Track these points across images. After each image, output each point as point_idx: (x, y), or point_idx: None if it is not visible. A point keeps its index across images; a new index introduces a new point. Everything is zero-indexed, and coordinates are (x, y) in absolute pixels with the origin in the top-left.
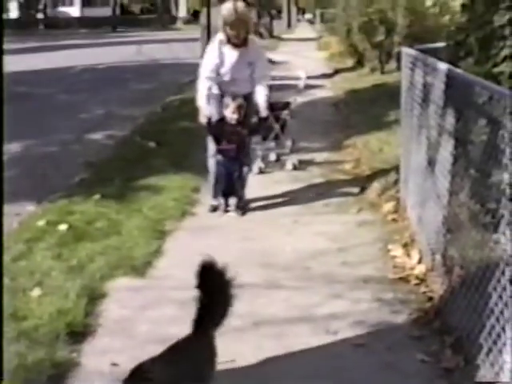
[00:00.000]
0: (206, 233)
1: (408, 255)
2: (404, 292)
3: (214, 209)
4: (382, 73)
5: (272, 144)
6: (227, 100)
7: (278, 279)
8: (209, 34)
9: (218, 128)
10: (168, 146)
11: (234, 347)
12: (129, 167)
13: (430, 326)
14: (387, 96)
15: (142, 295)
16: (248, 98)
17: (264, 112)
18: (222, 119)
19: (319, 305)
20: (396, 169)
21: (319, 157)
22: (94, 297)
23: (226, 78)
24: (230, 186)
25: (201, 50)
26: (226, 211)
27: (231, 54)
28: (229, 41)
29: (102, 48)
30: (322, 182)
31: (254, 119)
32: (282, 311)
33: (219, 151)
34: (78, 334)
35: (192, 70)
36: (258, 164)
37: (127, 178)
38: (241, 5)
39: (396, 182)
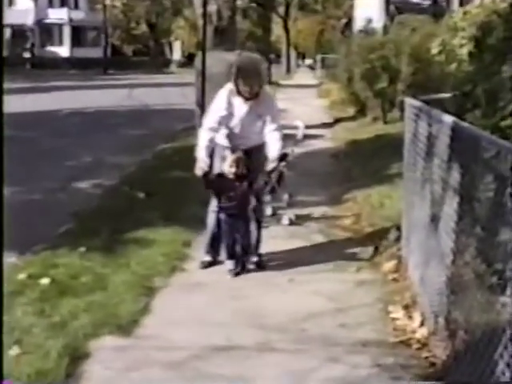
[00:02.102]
0: (196, 290)
1: (409, 317)
2: (405, 357)
3: (206, 265)
4: (385, 122)
5: (268, 197)
6: (226, 153)
7: (270, 341)
8: (203, 79)
9: (216, 183)
10: (158, 197)
11: None
12: (116, 219)
13: None
14: (390, 148)
15: (127, 355)
16: (259, 150)
17: (272, 164)
18: (222, 174)
19: (315, 370)
20: (398, 225)
21: (317, 211)
22: (76, 356)
23: (236, 130)
24: (232, 245)
25: (195, 96)
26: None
27: (241, 107)
28: (239, 92)
29: (91, 91)
30: (319, 238)
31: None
32: (274, 376)
33: (220, 208)
34: None
35: (185, 116)
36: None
37: (114, 230)
38: (257, 58)
39: (397, 239)
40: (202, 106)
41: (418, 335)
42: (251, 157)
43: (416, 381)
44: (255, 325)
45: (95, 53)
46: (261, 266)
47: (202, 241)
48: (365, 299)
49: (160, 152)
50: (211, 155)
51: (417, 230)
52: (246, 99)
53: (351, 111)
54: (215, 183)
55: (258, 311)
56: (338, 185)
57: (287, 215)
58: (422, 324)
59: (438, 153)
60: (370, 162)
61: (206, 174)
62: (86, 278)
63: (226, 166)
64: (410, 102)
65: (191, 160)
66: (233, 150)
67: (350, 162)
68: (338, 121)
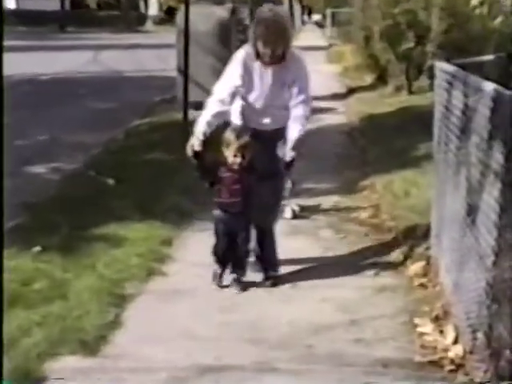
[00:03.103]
0: (178, 299)
1: (440, 332)
2: (435, 381)
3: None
4: (410, 93)
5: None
6: (229, 135)
7: (270, 360)
8: (186, 40)
9: (213, 172)
10: (132, 185)
11: None
12: (80, 211)
13: None
14: (416, 124)
15: (93, 380)
16: (281, 134)
17: (289, 155)
18: (220, 163)
19: None
20: (426, 219)
21: (327, 202)
22: (28, 382)
23: (255, 105)
24: (229, 251)
25: (176, 61)
26: (220, 284)
27: (262, 74)
28: (259, 56)
29: (45, 53)
30: (329, 234)
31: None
32: None
33: (218, 205)
34: None
35: (165, 85)
36: None
37: (77, 224)
38: (282, 12)
39: (426, 236)
40: (185, 72)
41: (451, 354)
42: (268, 143)
43: None
44: (250, 340)
45: (50, 4)
46: (274, 284)
47: (184, 238)
48: (385, 309)
49: (134, 129)
50: (213, 134)
51: (450, 225)
52: (268, 64)
53: (369, 79)
54: (211, 172)
55: (254, 323)
56: (353, 169)
57: (290, 207)
58: (456, 340)
59: (476, 129)
60: (392, 141)
61: (199, 157)
62: (41, 284)
63: (230, 154)
64: (441, 66)
65: (173, 139)
66: (238, 133)
67: (367, 142)
68: (352, 91)
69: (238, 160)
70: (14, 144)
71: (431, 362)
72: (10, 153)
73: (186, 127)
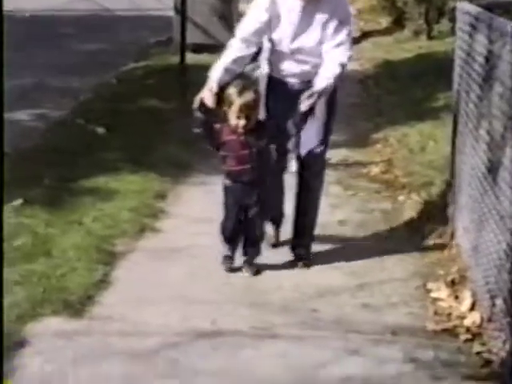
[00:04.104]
0: (172, 258)
1: (456, 298)
2: (449, 351)
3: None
4: (430, 37)
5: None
6: (230, 91)
7: (271, 325)
8: None
9: (217, 134)
10: (123, 134)
11: None
12: (66, 161)
13: None
14: (435, 72)
15: (78, 344)
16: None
17: (304, 104)
18: (218, 121)
19: (328, 364)
20: (443, 175)
21: (336, 155)
22: (6, 346)
23: (283, 47)
24: (240, 228)
25: None
26: (230, 267)
27: (294, 8)
28: None
29: None
30: (338, 190)
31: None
32: (275, 371)
33: (226, 174)
34: None
35: (160, 26)
36: None
37: (63, 176)
38: None
39: (443, 194)
40: (183, 12)
41: (467, 322)
42: (296, 101)
43: None
44: (250, 303)
45: None
46: (306, 263)
47: (180, 192)
48: (397, 273)
49: (126, 74)
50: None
51: (468, 183)
52: None
53: (384, 22)
54: (217, 134)
55: (255, 286)
56: (365, 121)
57: (295, 160)
58: (472, 307)
59: (500, 78)
60: (408, 90)
61: (208, 113)
62: (23, 240)
63: (232, 115)
64: (464, 7)
65: (169, 84)
66: (241, 89)
67: (380, 91)
68: (366, 35)
69: (242, 122)
70: None
71: (445, 331)
72: None
73: (184, 72)
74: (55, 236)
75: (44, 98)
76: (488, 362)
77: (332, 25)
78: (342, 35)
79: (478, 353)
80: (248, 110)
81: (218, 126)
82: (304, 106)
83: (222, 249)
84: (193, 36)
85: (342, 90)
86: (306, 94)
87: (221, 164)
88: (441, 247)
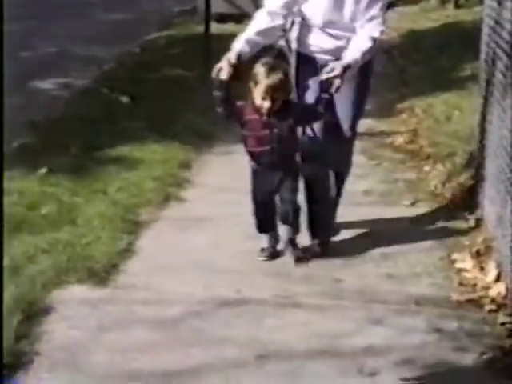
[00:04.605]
0: (196, 227)
1: (481, 269)
2: (474, 321)
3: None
4: (457, 7)
5: None
6: (258, 69)
7: (294, 295)
8: None
9: (239, 109)
10: (147, 103)
11: None
12: (90, 130)
13: (511, 373)
14: (461, 41)
15: (103, 311)
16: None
17: (325, 75)
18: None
19: (351, 333)
20: (469, 146)
21: (360, 125)
22: (32, 312)
23: (314, 21)
24: (266, 215)
25: None
26: (269, 256)
27: None
28: None
29: None
30: (362, 160)
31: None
32: (297, 340)
33: (249, 155)
34: (6, 366)
35: None
36: None
37: (88, 145)
38: None
39: (468, 164)
40: None
41: (492, 293)
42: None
43: (488, 355)
44: (274, 272)
45: None
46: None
47: (204, 162)
48: (421, 243)
49: (149, 43)
50: (254, 60)
51: (495, 153)
52: None
53: None
54: (238, 111)
55: (279, 256)
56: (389, 91)
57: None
58: (498, 278)
59: None
60: (434, 60)
61: (227, 88)
62: (48, 209)
63: (257, 94)
64: None
65: (193, 54)
66: (270, 68)
67: (406, 61)
68: (391, 4)
69: (267, 104)
70: (18, 56)
71: (470, 301)
72: (14, 66)
73: (208, 41)
74: (80, 205)
75: (68, 67)
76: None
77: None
78: (375, 9)
79: (503, 323)
80: (274, 91)
81: (239, 103)
82: (324, 76)
83: (258, 240)
84: (217, 5)
85: None
86: (329, 66)
87: (243, 144)
88: (466, 218)
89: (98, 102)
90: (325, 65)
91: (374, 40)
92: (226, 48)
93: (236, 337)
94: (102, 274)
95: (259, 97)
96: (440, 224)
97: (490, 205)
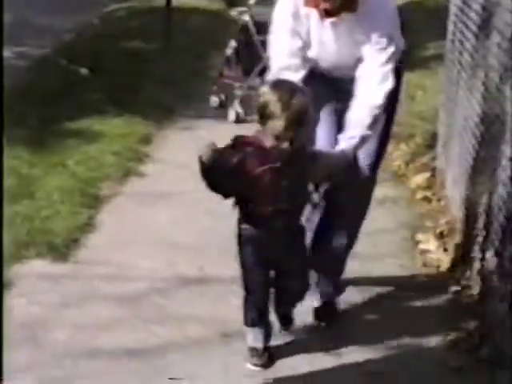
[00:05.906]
0: (157, 202)
1: (445, 250)
2: (438, 302)
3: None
4: None
5: (257, 81)
6: (271, 96)
7: None
8: None
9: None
10: (107, 75)
11: (192, 366)
12: (49, 102)
13: (474, 353)
14: (427, 19)
15: (63, 287)
16: None
17: (345, 142)
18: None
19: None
20: (433, 126)
21: None
22: None
23: (322, 63)
24: (266, 299)
25: None
26: (263, 364)
27: (319, 29)
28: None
29: None
30: None
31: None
32: None
33: (248, 219)
34: None
35: None
36: (234, 108)
37: (46, 117)
38: None
39: (432, 144)
40: None
41: (456, 274)
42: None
43: (452, 336)
44: (235, 251)
45: None
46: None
47: (165, 137)
48: (385, 223)
49: (110, 14)
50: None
51: (460, 134)
52: (326, 15)
53: None
54: (240, 172)
55: None
56: None
57: (234, 109)
58: (462, 259)
59: (497, 26)
60: None
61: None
62: (5, 182)
63: (271, 131)
64: None
65: (154, 27)
66: (291, 92)
67: None
68: None
69: (285, 145)
70: None
71: (433, 282)
72: None
73: (169, 14)
74: (39, 178)
75: (25, 35)
76: (477, 314)
77: (371, 35)
78: (387, 37)
79: (467, 304)
80: (297, 125)
81: (239, 157)
82: (343, 142)
83: (248, 336)
84: None
85: None
86: (351, 126)
87: (236, 206)
88: (429, 199)
89: (57, 73)
90: (337, 80)
91: (389, 73)
92: (186, 21)
93: (200, 315)
94: (62, 249)
95: (273, 135)
96: (403, 204)
97: (454, 185)
